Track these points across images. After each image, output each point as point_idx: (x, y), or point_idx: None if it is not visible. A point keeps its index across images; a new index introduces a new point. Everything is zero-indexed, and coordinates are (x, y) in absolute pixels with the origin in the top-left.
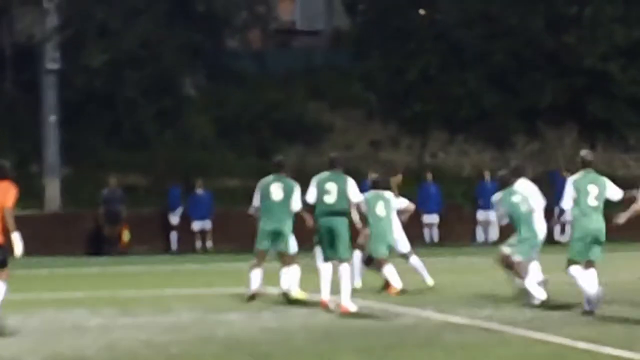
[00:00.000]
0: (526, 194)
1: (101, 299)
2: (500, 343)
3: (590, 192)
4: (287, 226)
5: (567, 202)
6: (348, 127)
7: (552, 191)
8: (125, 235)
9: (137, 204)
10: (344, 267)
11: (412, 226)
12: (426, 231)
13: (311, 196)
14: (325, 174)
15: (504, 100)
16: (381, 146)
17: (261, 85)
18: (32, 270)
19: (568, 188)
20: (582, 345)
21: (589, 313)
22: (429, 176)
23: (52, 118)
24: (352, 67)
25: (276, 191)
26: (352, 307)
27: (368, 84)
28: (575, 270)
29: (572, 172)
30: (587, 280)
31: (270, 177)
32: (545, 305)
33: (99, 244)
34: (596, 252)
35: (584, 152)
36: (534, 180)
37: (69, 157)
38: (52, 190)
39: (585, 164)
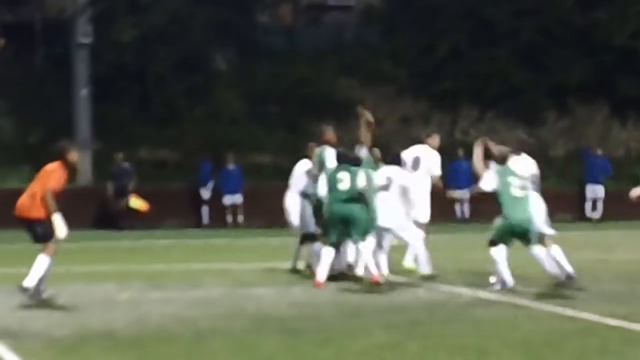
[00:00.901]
0: (523, 175)
1: (131, 272)
2: (530, 319)
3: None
4: None
5: None
6: (378, 103)
7: (582, 168)
8: (134, 203)
9: (167, 178)
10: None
11: (443, 202)
12: (457, 207)
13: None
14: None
15: (534, 77)
16: (411, 123)
17: (291, 60)
18: (63, 243)
19: None
20: (612, 322)
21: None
22: (460, 152)
23: (83, 92)
24: (382, 43)
25: None
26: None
27: (398, 60)
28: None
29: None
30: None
31: None
32: (575, 282)
33: (107, 219)
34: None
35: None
36: (566, 157)
37: (100, 131)
38: (84, 164)
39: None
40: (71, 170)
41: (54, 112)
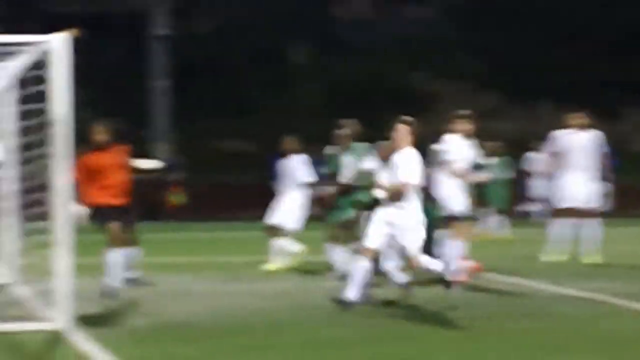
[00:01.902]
0: None
1: (207, 264)
2: (612, 315)
3: None
4: None
5: None
6: (457, 96)
7: None
8: (175, 198)
9: (243, 170)
10: None
11: None
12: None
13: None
14: None
15: (613, 71)
16: (489, 116)
17: (370, 54)
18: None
19: None
20: None
21: None
22: (536, 146)
23: (161, 83)
24: (461, 37)
25: None
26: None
27: (477, 54)
28: None
29: None
30: None
31: None
32: None
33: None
34: None
35: None
36: None
37: (178, 123)
38: (162, 155)
39: None
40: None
41: (132, 104)
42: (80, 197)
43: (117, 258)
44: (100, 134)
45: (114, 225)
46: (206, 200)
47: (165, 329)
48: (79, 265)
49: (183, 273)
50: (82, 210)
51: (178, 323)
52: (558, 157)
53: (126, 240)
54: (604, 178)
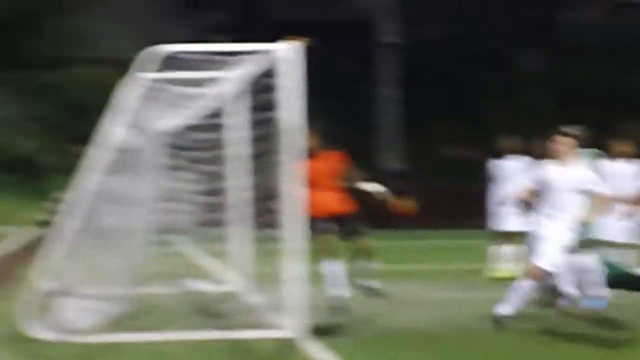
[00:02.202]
0: None
1: (437, 271)
2: None
3: None
4: None
5: None
6: None
7: None
8: (404, 206)
9: (474, 177)
10: None
11: None
12: None
13: None
14: None
15: None
16: None
17: (601, 58)
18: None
19: None
20: None
21: None
22: None
23: (389, 92)
24: None
25: None
26: None
27: None
28: None
29: None
30: None
31: None
32: None
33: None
34: None
35: None
36: None
37: (405, 130)
38: (390, 164)
39: None
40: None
41: (360, 111)
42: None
43: (332, 269)
44: (310, 139)
45: (326, 237)
46: (435, 208)
47: (395, 336)
48: (312, 273)
49: (412, 280)
50: None
51: (407, 330)
52: None
53: (336, 251)
54: None
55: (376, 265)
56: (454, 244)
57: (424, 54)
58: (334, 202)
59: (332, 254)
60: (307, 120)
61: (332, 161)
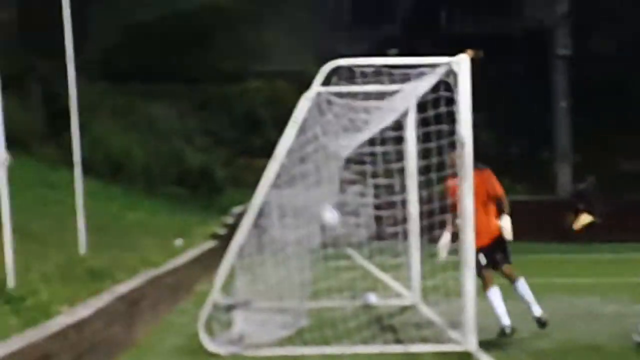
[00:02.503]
0: None
1: (616, 285)
2: None
3: None
4: None
5: None
6: None
7: None
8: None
9: None
10: None
11: None
12: None
13: None
14: None
15: None
16: None
17: None
18: (544, 255)
19: None
20: None
21: None
22: None
23: (563, 104)
24: None
25: None
26: None
27: None
28: None
29: None
30: None
31: None
32: None
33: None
34: None
35: None
36: None
37: (580, 143)
38: (564, 176)
39: None
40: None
41: (533, 124)
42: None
43: (493, 296)
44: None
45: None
46: (611, 221)
47: (572, 351)
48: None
49: (590, 294)
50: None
51: (586, 345)
52: None
53: (492, 278)
54: None
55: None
56: (636, 257)
57: (597, 66)
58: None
59: (487, 285)
60: (482, 134)
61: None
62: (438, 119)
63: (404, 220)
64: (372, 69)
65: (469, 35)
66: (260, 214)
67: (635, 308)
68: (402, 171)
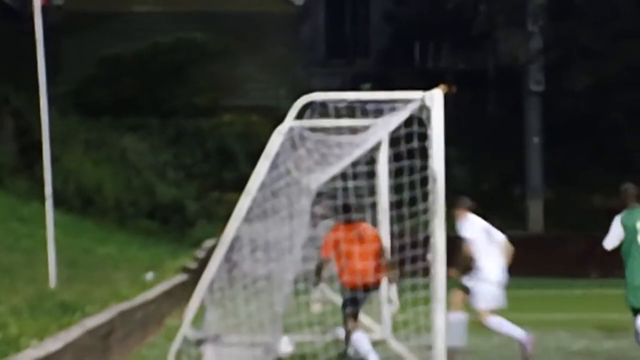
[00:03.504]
0: None
1: (585, 321)
2: None
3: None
4: None
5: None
6: None
7: None
8: None
9: None
10: None
11: None
12: None
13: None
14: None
15: None
16: None
17: None
18: (515, 291)
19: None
20: None
21: None
22: None
23: (535, 140)
24: None
25: None
26: None
27: None
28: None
29: None
30: None
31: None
32: None
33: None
34: None
35: (630, 185)
36: None
37: (552, 179)
38: (535, 212)
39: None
40: None
41: (506, 159)
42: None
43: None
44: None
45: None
46: (582, 257)
47: None
48: None
49: (560, 330)
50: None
51: None
52: None
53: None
54: None
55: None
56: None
57: (571, 103)
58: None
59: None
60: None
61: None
62: (411, 154)
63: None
64: (345, 104)
65: (443, 70)
66: (232, 248)
67: (605, 344)
68: (374, 206)
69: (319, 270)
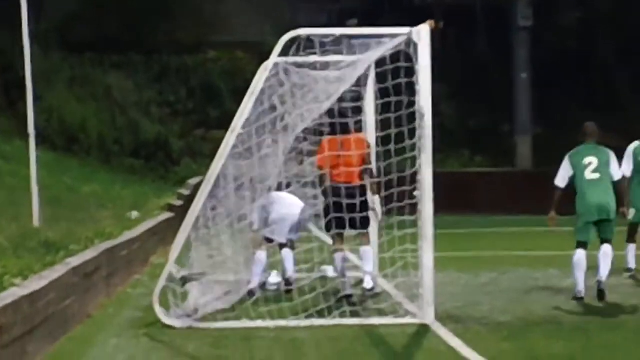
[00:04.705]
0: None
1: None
2: None
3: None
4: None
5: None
6: None
7: None
8: None
9: None
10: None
11: None
12: None
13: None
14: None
15: None
16: None
17: None
18: (504, 228)
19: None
20: None
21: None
22: None
23: (524, 76)
24: None
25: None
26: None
27: None
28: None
29: None
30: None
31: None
32: None
33: None
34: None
35: (588, 123)
36: None
37: (540, 116)
38: (524, 149)
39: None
40: None
41: (494, 96)
42: None
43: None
44: None
45: None
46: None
47: (532, 324)
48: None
49: (549, 267)
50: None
51: (546, 318)
52: None
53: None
54: None
55: None
56: None
57: (559, 38)
58: None
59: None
60: (441, 106)
61: None
62: (397, 90)
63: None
64: (331, 39)
65: (430, 6)
66: (217, 185)
67: (593, 281)
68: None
69: (321, 181)
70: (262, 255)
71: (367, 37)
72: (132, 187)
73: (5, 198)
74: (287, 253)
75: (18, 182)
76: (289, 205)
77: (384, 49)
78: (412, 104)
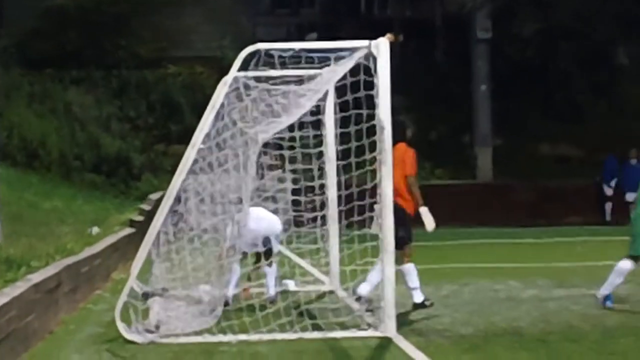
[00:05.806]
0: None
1: (535, 270)
2: None
3: None
4: None
5: None
6: None
7: None
8: None
9: (570, 175)
10: None
11: None
12: None
13: None
14: None
15: None
16: None
17: None
18: (465, 240)
19: None
20: None
21: None
22: None
23: (483, 87)
24: None
25: None
26: None
27: None
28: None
29: None
30: None
31: None
32: None
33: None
34: None
35: None
36: None
37: (501, 127)
38: (484, 161)
39: None
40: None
41: (454, 108)
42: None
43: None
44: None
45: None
46: (531, 206)
47: (494, 336)
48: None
49: (510, 279)
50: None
51: (507, 330)
52: None
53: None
54: None
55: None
56: (554, 242)
57: (518, 50)
58: None
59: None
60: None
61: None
62: (357, 103)
63: (323, 205)
64: (290, 54)
65: (389, 19)
66: (178, 200)
67: (555, 292)
68: (320, 156)
69: None
70: (236, 267)
71: (326, 50)
72: (94, 202)
73: None
74: (269, 269)
75: None
76: (260, 219)
77: (346, 65)
78: (372, 117)
